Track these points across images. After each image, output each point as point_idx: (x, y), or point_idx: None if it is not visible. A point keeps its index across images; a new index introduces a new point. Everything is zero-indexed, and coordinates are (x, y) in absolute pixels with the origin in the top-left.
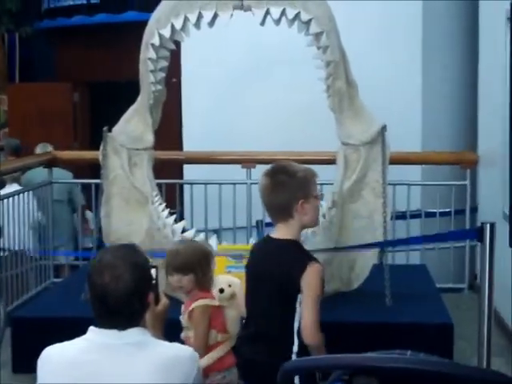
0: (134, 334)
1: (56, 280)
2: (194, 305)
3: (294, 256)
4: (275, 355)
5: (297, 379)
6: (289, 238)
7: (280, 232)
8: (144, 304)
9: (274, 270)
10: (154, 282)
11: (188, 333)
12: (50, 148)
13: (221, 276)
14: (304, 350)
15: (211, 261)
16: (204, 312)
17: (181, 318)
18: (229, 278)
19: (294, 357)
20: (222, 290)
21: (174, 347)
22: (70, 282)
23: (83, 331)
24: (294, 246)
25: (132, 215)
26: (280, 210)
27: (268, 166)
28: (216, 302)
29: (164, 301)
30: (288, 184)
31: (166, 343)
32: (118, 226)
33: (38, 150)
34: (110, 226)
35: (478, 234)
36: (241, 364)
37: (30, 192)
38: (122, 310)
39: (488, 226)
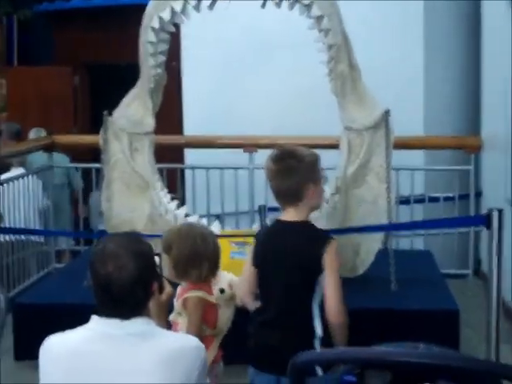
0: (137, 323)
1: (58, 265)
2: (187, 294)
3: (313, 235)
4: (298, 339)
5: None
6: (301, 220)
7: (290, 215)
8: (148, 293)
9: (293, 251)
10: (157, 270)
11: (178, 318)
12: (43, 133)
13: (223, 273)
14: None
15: (208, 252)
16: (198, 303)
17: (174, 300)
18: (231, 278)
19: (317, 342)
20: (222, 291)
21: (180, 337)
22: (72, 267)
23: (86, 318)
24: (308, 226)
25: (133, 200)
26: (289, 194)
27: (270, 151)
28: (213, 299)
29: (168, 289)
30: (297, 168)
31: (171, 333)
32: (119, 210)
33: (32, 134)
34: (112, 210)
35: (485, 220)
36: (257, 350)
37: (34, 176)
38: (126, 299)
39: (496, 212)
